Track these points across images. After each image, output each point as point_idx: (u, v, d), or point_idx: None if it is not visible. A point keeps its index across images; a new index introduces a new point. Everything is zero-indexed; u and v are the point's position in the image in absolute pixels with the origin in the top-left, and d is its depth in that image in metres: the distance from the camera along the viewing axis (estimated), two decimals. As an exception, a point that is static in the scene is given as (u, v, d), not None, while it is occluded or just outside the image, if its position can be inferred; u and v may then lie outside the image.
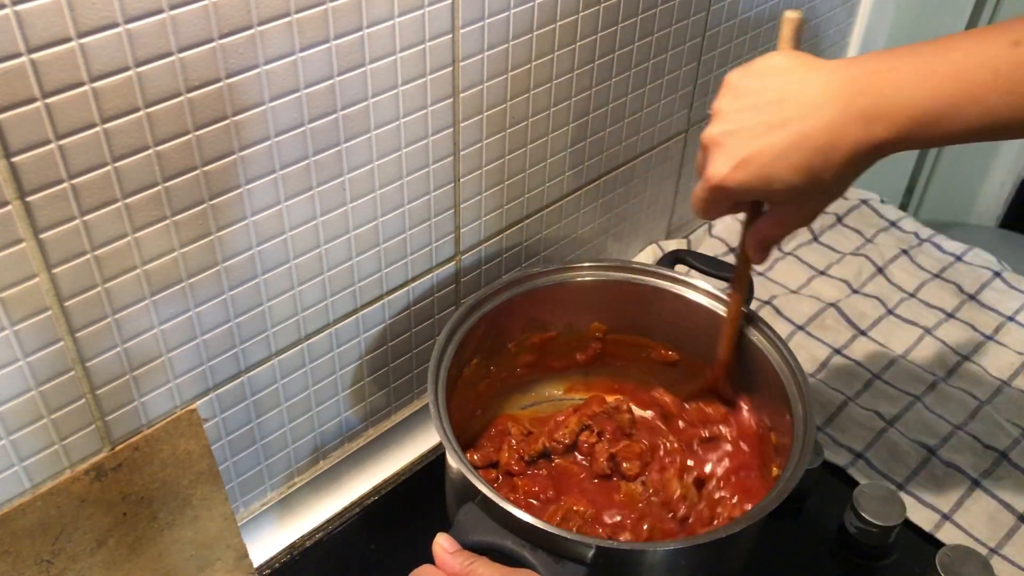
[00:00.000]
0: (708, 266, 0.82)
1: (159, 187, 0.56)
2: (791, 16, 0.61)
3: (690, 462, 0.77)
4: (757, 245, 0.65)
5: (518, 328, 0.78)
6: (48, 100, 0.49)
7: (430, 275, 0.79)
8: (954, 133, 0.54)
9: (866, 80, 0.55)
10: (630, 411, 0.80)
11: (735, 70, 0.60)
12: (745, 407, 0.76)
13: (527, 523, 0.57)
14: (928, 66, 0.54)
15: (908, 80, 0.54)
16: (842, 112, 0.54)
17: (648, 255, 1.04)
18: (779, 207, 0.62)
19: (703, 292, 0.76)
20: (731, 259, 1.05)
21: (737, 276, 0.71)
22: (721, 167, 0.59)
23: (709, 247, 1.06)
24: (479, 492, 0.59)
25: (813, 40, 1.07)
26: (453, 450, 0.62)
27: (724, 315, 0.74)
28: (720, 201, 0.61)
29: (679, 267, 0.82)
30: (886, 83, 0.54)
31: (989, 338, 0.95)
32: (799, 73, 0.57)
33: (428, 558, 0.58)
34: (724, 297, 0.75)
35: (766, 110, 0.57)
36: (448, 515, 0.70)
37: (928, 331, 0.96)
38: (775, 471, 0.69)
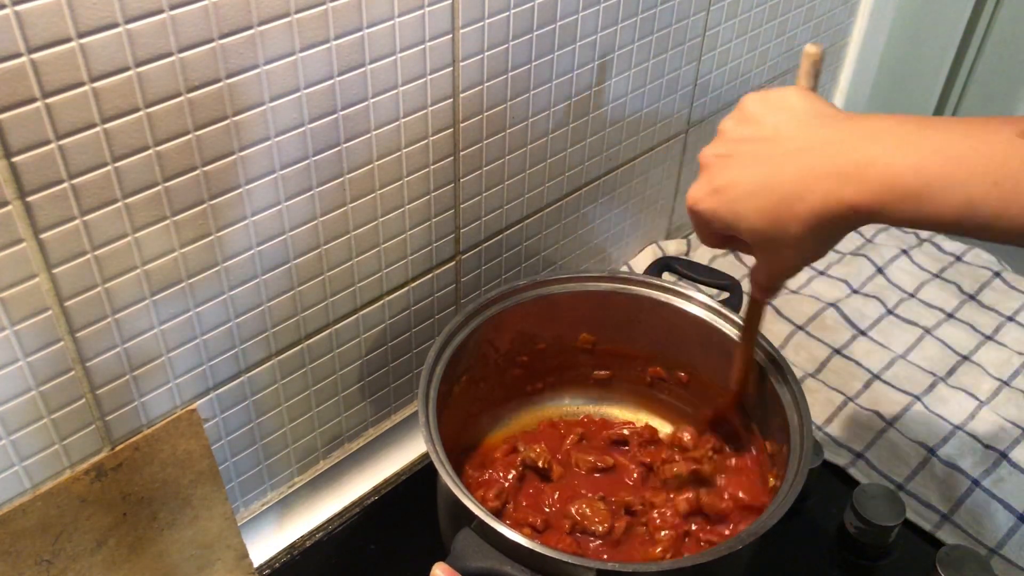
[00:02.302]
0: (696, 273, 0.81)
1: (159, 187, 0.56)
2: (811, 51, 0.59)
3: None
4: (752, 284, 0.65)
5: (506, 343, 0.77)
6: (48, 100, 0.49)
7: (430, 275, 0.79)
8: (932, 217, 0.48)
9: (854, 137, 0.51)
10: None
11: (754, 93, 0.58)
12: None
13: (525, 548, 0.56)
14: (919, 137, 0.49)
15: (895, 146, 0.49)
16: (818, 164, 0.51)
17: (648, 255, 1.04)
18: (756, 250, 0.58)
19: (691, 300, 0.75)
20: (729, 260, 1.05)
21: (750, 308, 0.69)
22: (698, 189, 0.58)
23: (709, 248, 1.06)
24: (475, 517, 0.58)
25: (812, 41, 1.07)
26: (447, 473, 0.60)
27: (716, 326, 0.73)
28: (700, 226, 0.60)
29: (667, 275, 0.81)
30: (872, 145, 0.50)
31: (989, 338, 0.95)
32: (801, 116, 0.54)
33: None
34: (712, 305, 0.74)
35: (758, 145, 0.55)
36: (441, 533, 0.70)
37: (928, 331, 0.96)
38: (772, 481, 0.68)
